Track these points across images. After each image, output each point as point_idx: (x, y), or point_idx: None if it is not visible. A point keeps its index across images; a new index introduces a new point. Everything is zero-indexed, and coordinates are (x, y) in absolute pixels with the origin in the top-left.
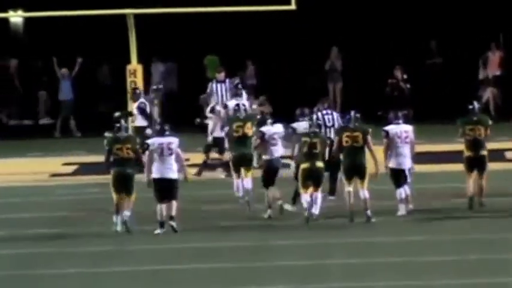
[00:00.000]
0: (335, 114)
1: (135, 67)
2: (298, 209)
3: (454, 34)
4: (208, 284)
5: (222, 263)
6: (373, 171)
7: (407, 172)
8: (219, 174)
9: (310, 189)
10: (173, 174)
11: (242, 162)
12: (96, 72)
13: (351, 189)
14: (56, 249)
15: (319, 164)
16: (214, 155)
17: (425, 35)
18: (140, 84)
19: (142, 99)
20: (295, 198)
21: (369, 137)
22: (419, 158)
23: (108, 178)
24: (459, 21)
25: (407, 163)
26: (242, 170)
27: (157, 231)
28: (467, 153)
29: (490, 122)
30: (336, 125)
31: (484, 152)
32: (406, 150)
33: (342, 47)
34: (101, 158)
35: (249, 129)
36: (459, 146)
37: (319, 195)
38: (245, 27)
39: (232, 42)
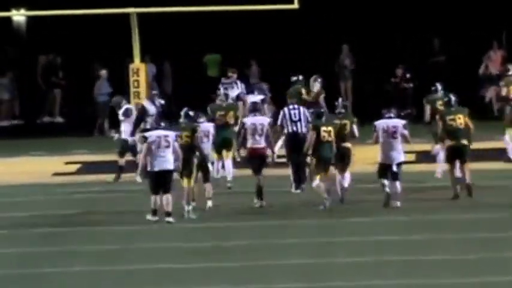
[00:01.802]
0: (301, 109)
1: (138, 66)
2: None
3: (457, 32)
4: (213, 283)
5: (226, 261)
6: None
7: (394, 167)
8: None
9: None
10: (170, 165)
11: (224, 145)
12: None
13: (322, 183)
14: (60, 248)
15: (346, 144)
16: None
17: (429, 33)
18: (143, 83)
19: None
20: (260, 193)
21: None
22: (421, 156)
23: (110, 177)
24: (462, 19)
25: (396, 158)
26: (224, 152)
27: (149, 217)
28: (449, 143)
29: (467, 111)
30: (303, 120)
31: (465, 141)
32: (395, 145)
33: (341, 48)
34: (103, 157)
35: (231, 118)
36: None
37: (347, 174)
38: (249, 27)
39: (236, 41)
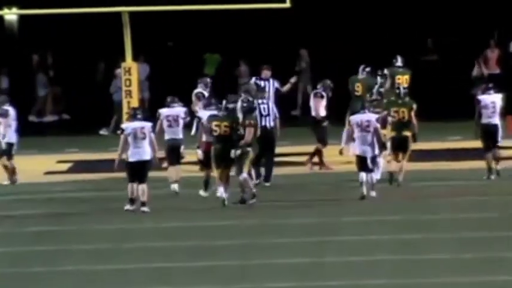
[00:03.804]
0: (270, 104)
1: (130, 65)
2: (209, 194)
3: (450, 32)
4: (204, 282)
5: (217, 260)
6: None
7: (369, 160)
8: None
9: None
10: (146, 156)
11: None
12: (94, 70)
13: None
14: (52, 247)
15: (406, 133)
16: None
17: (423, 33)
18: (135, 82)
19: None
20: (207, 183)
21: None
22: (413, 155)
23: (102, 176)
24: (455, 19)
25: (369, 151)
26: None
27: (127, 207)
28: (391, 134)
29: (415, 106)
30: (271, 114)
31: (407, 133)
32: (368, 139)
33: (337, 45)
34: (95, 156)
35: None
36: (454, 144)
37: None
38: (237, 26)
39: (224, 40)
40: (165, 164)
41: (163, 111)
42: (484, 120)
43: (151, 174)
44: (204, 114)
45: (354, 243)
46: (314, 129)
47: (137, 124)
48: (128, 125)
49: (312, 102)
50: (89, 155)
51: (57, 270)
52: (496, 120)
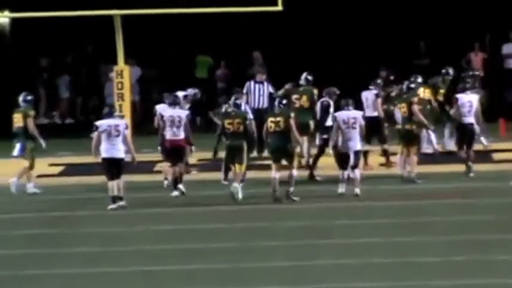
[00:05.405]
0: (243, 106)
1: (122, 68)
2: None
3: (443, 35)
4: (197, 285)
5: (212, 263)
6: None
7: (352, 155)
8: None
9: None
10: (119, 153)
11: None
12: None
13: (277, 174)
14: (44, 250)
15: (408, 127)
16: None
17: (415, 36)
18: (127, 85)
19: None
20: (176, 181)
21: (292, 121)
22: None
23: (94, 179)
24: (448, 22)
25: (354, 146)
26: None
27: (111, 206)
28: (398, 127)
29: (416, 99)
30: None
31: (411, 127)
32: (353, 135)
33: (327, 49)
34: (86, 159)
35: (305, 102)
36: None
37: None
38: (228, 28)
39: (214, 43)
40: (156, 168)
41: (159, 108)
42: (460, 119)
43: (143, 177)
44: (166, 111)
45: (344, 246)
46: (377, 130)
47: (112, 121)
48: (102, 122)
49: (371, 104)
50: (81, 158)
51: (50, 273)
52: (472, 119)
